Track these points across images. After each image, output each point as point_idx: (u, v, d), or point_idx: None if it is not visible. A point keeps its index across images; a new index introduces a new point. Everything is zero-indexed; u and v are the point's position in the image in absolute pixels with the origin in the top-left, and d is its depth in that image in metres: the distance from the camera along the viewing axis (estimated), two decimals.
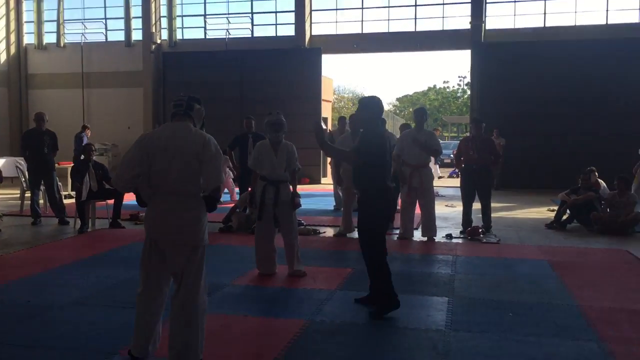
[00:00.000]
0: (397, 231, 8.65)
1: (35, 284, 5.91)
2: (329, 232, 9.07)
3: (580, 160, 14.15)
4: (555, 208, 10.22)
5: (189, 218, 3.71)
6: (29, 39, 20.57)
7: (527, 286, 5.84)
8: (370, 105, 5.08)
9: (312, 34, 18.76)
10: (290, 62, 18.02)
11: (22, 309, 5.03)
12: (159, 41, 19.39)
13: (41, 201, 10.18)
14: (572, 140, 16.06)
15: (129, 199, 10.02)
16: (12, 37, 20.21)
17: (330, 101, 24.25)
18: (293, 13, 18.52)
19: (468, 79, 29.32)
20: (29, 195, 11.15)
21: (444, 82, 69.85)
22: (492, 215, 9.12)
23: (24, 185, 11.27)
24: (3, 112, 19.80)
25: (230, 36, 19.05)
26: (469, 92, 27.54)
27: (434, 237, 8.32)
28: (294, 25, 18.51)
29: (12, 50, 20.18)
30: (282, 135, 6.27)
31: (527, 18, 17.86)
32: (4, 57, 19.95)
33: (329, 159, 13.49)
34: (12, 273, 6.29)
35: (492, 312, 5.00)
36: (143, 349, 3.85)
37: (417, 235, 8.59)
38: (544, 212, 11.17)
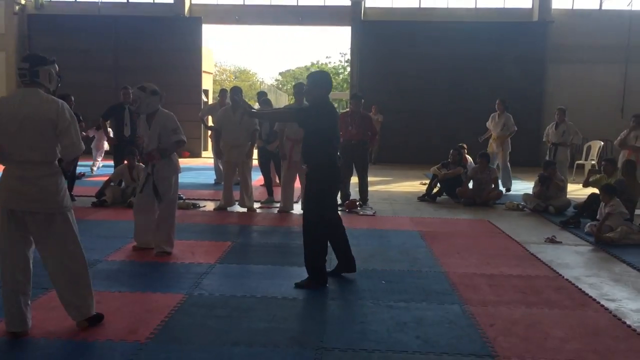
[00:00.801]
0: (278, 205, 8.73)
1: None
2: (210, 205, 8.96)
3: (452, 136, 15.03)
4: (427, 182, 10.82)
5: (44, 186, 3.66)
6: None
7: (399, 255, 6.17)
8: (322, 82, 5.10)
9: (192, 2, 18.19)
10: (168, 31, 17.38)
11: None
12: (23, 2, 17.86)
13: None
14: (444, 117, 16.95)
15: None
16: None
17: (212, 73, 23.71)
18: None
19: (348, 56, 30.01)
20: None
21: (327, 57, 70.86)
22: (369, 189, 9.47)
23: None
24: None
25: (103, 0, 17.98)
26: (349, 69, 28.20)
27: None
28: None
29: None
30: (144, 108, 5.79)
31: None
32: None
33: (209, 132, 13.23)
34: None
35: (366, 280, 5.23)
36: (22, 320, 3.73)
37: (297, 208, 8.74)
38: (417, 186, 11.77)
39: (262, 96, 10.75)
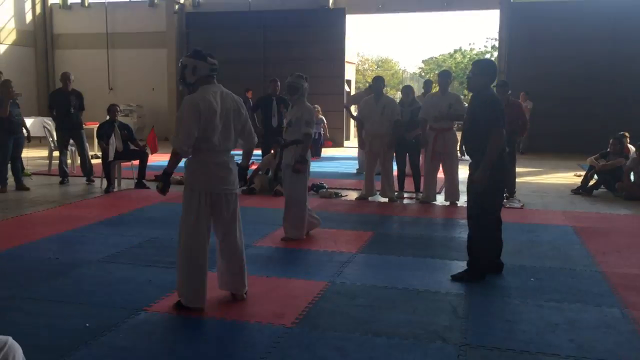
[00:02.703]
0: (420, 195, 8.62)
1: (63, 241, 6.08)
2: (352, 195, 9.07)
3: (611, 125, 13.87)
4: (582, 173, 10.07)
5: (233, 169, 4.17)
6: None
7: (549, 252, 5.82)
8: (488, 70, 4.91)
9: None
10: (313, 23, 17.79)
11: (51, 265, 5.18)
12: (182, 1, 19.24)
13: (69, 161, 10.35)
14: (602, 104, 15.69)
15: (153, 160, 10.17)
16: None
17: (354, 63, 23.94)
18: None
19: (495, 42, 28.72)
20: (57, 154, 11.36)
21: (470, 44, 68.44)
22: (517, 180, 9.03)
23: (52, 145, 11.45)
24: (30, 72, 19.96)
25: None
26: (495, 54, 26.97)
27: (457, 202, 8.27)
28: None
29: (38, 10, 20.21)
30: (295, 97, 6.06)
31: None
32: (29, 17, 20.00)
33: (353, 122, 13.38)
34: (41, 231, 6.45)
35: (514, 277, 4.99)
36: (203, 297, 4.09)
37: (440, 199, 8.57)
38: (571, 178, 11.02)
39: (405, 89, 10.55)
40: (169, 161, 4.00)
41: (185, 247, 4.06)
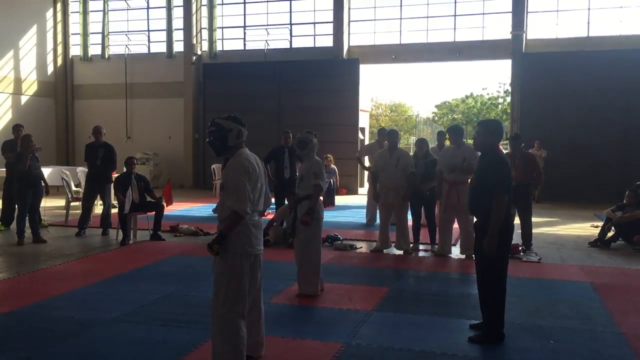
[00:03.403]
0: (436, 247, 8.57)
1: (78, 298, 6.08)
2: (364, 247, 9.04)
3: (627, 174, 13.80)
4: (599, 224, 9.98)
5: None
6: (74, 51, 21.17)
7: (568, 311, 5.72)
8: (495, 131, 4.97)
9: (350, 44, 18.78)
10: (328, 73, 18.08)
11: (67, 325, 5.18)
12: (199, 52, 19.72)
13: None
14: (617, 153, 15.66)
15: (168, 210, 10.24)
16: (59, 49, 20.85)
17: (368, 111, 24.21)
18: (331, 24, 18.59)
19: (507, 87, 28.94)
20: (74, 204, 11.53)
21: (483, 88, 68.89)
22: (533, 230, 8.96)
23: (69, 195, 11.60)
24: (50, 122, 20.43)
25: (269, 47, 19.24)
26: (508, 99, 27.15)
27: (473, 255, 8.17)
28: (332, 36, 18.57)
29: (59, 61, 20.81)
30: (305, 152, 6.25)
31: (570, 28, 17.50)
32: (51, 68, 20.58)
33: (366, 172, 13.46)
34: (57, 287, 6.48)
35: (532, 338, 4.91)
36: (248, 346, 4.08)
37: (455, 251, 8.51)
38: (587, 228, 10.90)
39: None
40: (230, 223, 3.92)
41: (229, 316, 3.95)
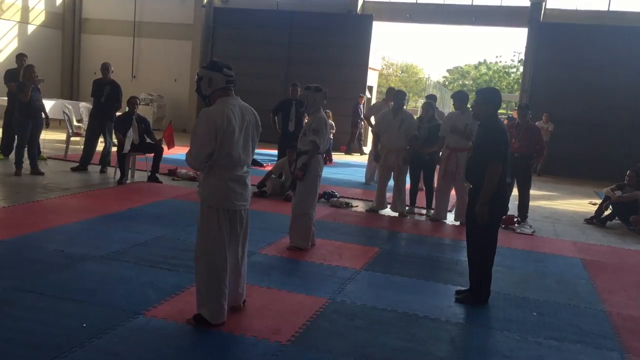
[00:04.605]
0: (431, 212, 8.57)
1: (70, 233, 6.12)
2: (361, 206, 9.04)
3: (630, 152, 13.69)
4: (598, 201, 9.95)
5: (250, 186, 4.18)
6: None
7: (555, 285, 5.74)
8: (493, 100, 4.90)
9: (365, 0, 18.39)
10: (340, 27, 17.75)
11: (56, 258, 5.22)
12: None
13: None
14: (622, 131, 15.49)
15: (168, 153, 10.22)
16: None
17: (378, 70, 23.86)
18: None
19: (522, 56, 28.43)
20: (74, 139, 11.50)
21: (497, 56, 67.88)
22: (530, 203, 8.94)
23: (70, 129, 11.55)
24: (55, 54, 20.15)
25: None
26: (521, 69, 26.76)
27: None
28: None
29: None
30: (303, 110, 6.37)
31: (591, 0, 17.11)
32: None
33: (370, 129, 13.34)
34: (50, 220, 6.51)
35: (516, 309, 4.94)
36: (224, 313, 4.05)
37: (450, 218, 8.51)
38: (586, 205, 10.88)
39: (428, 99, 10.46)
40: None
41: (208, 265, 3.98)
